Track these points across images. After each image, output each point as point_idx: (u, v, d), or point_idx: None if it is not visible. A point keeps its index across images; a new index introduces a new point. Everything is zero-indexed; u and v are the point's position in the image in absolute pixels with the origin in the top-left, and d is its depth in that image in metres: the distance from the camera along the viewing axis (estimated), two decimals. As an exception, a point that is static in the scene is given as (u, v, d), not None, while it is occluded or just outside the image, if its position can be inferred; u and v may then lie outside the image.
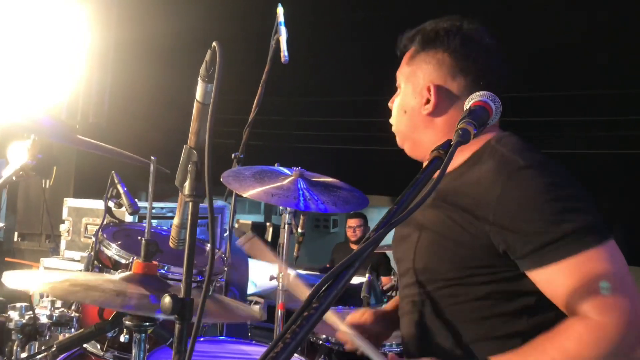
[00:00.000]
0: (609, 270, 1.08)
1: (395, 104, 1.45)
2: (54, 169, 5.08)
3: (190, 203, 0.94)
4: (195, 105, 0.95)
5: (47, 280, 1.31)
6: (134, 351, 1.27)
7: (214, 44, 0.88)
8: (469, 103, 1.12)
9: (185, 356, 0.86)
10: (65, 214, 3.49)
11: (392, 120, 1.46)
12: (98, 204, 3.42)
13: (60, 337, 1.79)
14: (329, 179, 2.80)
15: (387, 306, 1.62)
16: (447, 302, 1.28)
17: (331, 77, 5.66)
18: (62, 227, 3.50)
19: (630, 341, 1.05)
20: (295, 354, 1.97)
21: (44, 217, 5.47)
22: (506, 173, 1.19)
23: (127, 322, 1.25)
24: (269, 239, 3.95)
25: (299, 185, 2.67)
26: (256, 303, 4.71)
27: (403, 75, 1.43)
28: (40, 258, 3.79)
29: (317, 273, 4.95)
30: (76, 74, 3.73)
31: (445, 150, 1.00)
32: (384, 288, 4.34)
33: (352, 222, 5.72)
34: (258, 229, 6.33)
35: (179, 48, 4.70)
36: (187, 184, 0.94)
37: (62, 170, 5.15)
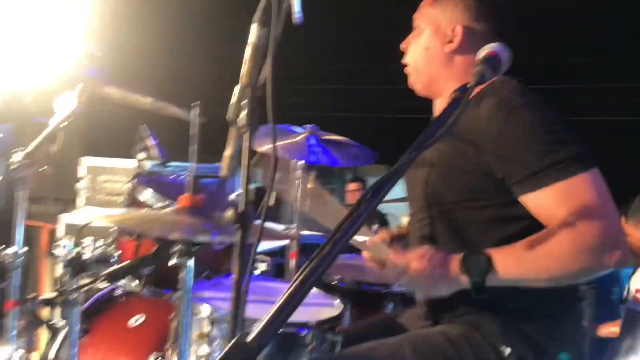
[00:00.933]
0: (593, 193, 1.26)
1: (415, 43, 1.60)
2: (60, 134, 5.22)
3: (245, 134, 1.10)
4: (251, 47, 1.11)
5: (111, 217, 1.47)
6: (181, 274, 1.45)
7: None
8: (484, 51, 1.28)
9: (248, 258, 1.03)
10: (83, 172, 3.63)
11: (407, 59, 1.62)
12: (116, 163, 3.57)
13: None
14: (339, 137, 2.96)
15: (403, 230, 1.82)
16: (454, 223, 1.47)
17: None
18: (80, 185, 3.65)
19: (603, 247, 1.23)
20: (315, 289, 2.16)
21: (52, 180, 5.61)
22: (506, 110, 1.36)
23: (176, 248, 1.42)
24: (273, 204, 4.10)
25: (310, 142, 2.83)
26: (262, 261, 4.92)
27: (426, 16, 1.58)
28: (48, 220, 3.95)
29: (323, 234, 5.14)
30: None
31: (463, 92, 1.16)
32: None
33: (351, 186, 5.93)
34: (262, 193, 6.51)
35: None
36: (242, 116, 1.10)
37: (68, 133, 5.29)
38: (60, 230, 3.62)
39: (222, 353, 0.64)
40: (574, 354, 1.44)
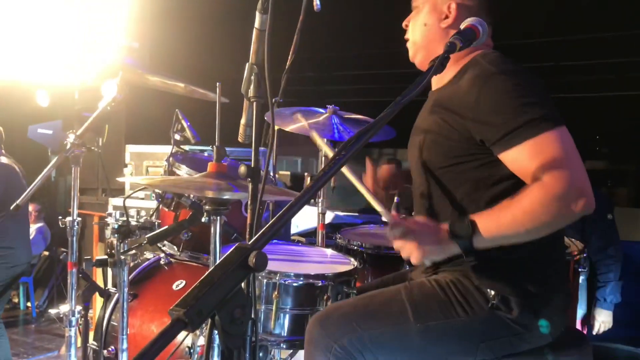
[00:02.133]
0: (560, 149, 1.40)
1: (414, 20, 1.77)
2: (106, 126, 5.58)
3: (255, 103, 1.32)
4: (255, 32, 1.33)
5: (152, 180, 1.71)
6: (212, 230, 1.69)
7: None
8: (463, 25, 1.46)
9: (257, 206, 1.26)
10: (127, 159, 3.95)
11: (408, 35, 1.79)
12: (156, 149, 3.87)
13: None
14: (359, 116, 3.16)
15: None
16: (445, 187, 1.64)
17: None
18: (126, 171, 3.97)
19: (570, 197, 1.37)
20: (338, 253, 2.38)
21: (99, 172, 5.99)
22: (483, 79, 1.52)
23: (207, 208, 1.66)
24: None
25: (332, 121, 3.04)
26: (298, 242, 5.17)
27: None
28: (97, 210, 4.26)
29: (356, 214, 5.34)
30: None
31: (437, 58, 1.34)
32: None
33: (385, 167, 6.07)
34: (296, 180, 6.76)
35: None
36: (251, 89, 1.33)
37: (112, 128, 5.64)
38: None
39: (225, 254, 0.85)
40: (553, 298, 1.57)
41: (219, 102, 1.75)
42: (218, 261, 0.83)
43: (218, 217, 1.67)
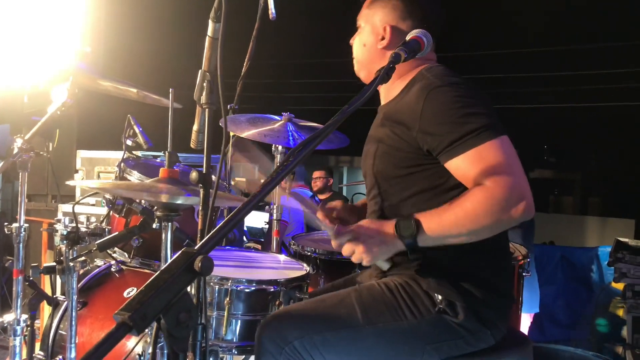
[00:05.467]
0: (501, 156, 1.46)
1: (357, 40, 1.83)
2: (57, 131, 5.44)
3: (207, 109, 1.34)
4: (207, 40, 1.34)
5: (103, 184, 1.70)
6: (163, 236, 1.68)
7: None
8: (409, 36, 1.51)
9: (208, 212, 1.27)
10: (78, 164, 3.87)
11: (353, 53, 1.85)
12: (108, 154, 3.81)
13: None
14: (314, 124, 3.20)
15: (357, 203, 2.04)
16: (397, 196, 1.68)
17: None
18: (77, 176, 3.89)
19: (510, 200, 1.43)
20: (292, 259, 2.40)
21: (49, 178, 5.81)
22: (427, 91, 1.57)
23: (158, 214, 1.66)
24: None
25: (288, 128, 3.07)
26: (254, 248, 5.18)
27: (363, 17, 1.81)
28: (46, 217, 4.15)
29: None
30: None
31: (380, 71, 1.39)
32: None
33: (316, 174, 6.08)
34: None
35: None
36: (203, 96, 1.34)
37: (64, 132, 5.50)
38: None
39: (172, 258, 0.86)
40: (497, 303, 1.63)
41: (171, 107, 1.75)
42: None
43: (169, 223, 1.67)
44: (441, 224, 1.49)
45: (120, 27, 4.43)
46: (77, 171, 3.90)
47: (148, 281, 0.82)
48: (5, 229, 2.05)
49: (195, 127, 1.44)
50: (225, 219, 0.94)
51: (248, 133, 2.82)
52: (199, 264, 0.84)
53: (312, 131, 3.14)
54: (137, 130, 2.44)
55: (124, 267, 2.50)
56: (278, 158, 3.04)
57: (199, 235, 1.27)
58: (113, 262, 2.53)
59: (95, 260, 2.70)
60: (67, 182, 1.84)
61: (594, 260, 4.65)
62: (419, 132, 1.56)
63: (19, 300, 2.04)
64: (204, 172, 1.30)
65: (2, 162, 2.03)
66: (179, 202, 1.57)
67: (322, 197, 5.95)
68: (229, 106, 3.50)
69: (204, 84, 1.35)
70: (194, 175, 1.29)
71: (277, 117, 3.09)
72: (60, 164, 4.88)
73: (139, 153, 2.71)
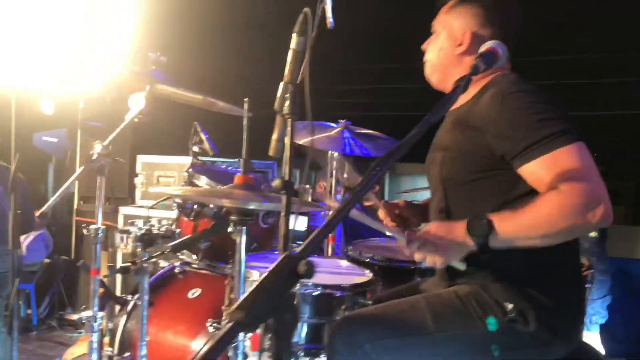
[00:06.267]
0: (577, 161, 1.45)
1: (433, 44, 1.86)
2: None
3: (289, 120, 1.40)
4: (292, 52, 1.41)
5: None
6: (237, 239, 1.75)
7: (305, 9, 1.33)
8: (482, 48, 1.54)
9: (288, 219, 1.32)
10: (138, 168, 4.02)
11: (427, 57, 1.88)
12: (168, 159, 3.94)
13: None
14: (370, 131, 3.24)
15: (420, 202, 2.07)
16: (465, 201, 1.70)
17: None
18: (137, 180, 4.03)
19: (586, 206, 1.41)
20: (353, 264, 2.44)
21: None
22: (502, 96, 1.59)
23: (233, 218, 1.73)
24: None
25: (344, 135, 3.11)
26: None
27: (442, 22, 1.85)
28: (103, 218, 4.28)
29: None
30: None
31: (461, 80, 1.42)
32: None
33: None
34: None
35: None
36: (286, 106, 1.40)
37: (119, 137, 5.69)
38: (119, 222, 4.00)
39: (274, 264, 0.91)
40: (569, 314, 1.63)
41: (246, 116, 1.82)
42: (269, 269, 0.89)
43: (243, 227, 1.73)
44: (515, 226, 1.48)
45: (184, 33, 4.57)
46: (137, 175, 4.04)
47: (257, 283, 0.88)
48: (85, 230, 2.16)
49: (274, 136, 1.49)
50: (322, 224, 0.99)
51: (306, 140, 2.88)
52: (303, 268, 0.89)
53: (369, 138, 3.19)
54: (203, 137, 2.53)
55: (187, 268, 2.59)
56: (334, 165, 3.10)
57: (281, 240, 1.32)
58: (177, 263, 2.62)
59: (160, 261, 2.80)
60: (151, 189, 1.91)
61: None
62: (493, 136, 1.58)
63: (96, 298, 2.14)
64: (285, 179, 1.36)
65: (82, 167, 2.14)
66: (252, 207, 1.64)
67: (367, 204, 5.95)
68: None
69: (287, 95, 1.41)
70: (277, 182, 1.34)
71: (333, 124, 3.15)
72: (114, 168, 5.04)
73: (202, 159, 2.80)
